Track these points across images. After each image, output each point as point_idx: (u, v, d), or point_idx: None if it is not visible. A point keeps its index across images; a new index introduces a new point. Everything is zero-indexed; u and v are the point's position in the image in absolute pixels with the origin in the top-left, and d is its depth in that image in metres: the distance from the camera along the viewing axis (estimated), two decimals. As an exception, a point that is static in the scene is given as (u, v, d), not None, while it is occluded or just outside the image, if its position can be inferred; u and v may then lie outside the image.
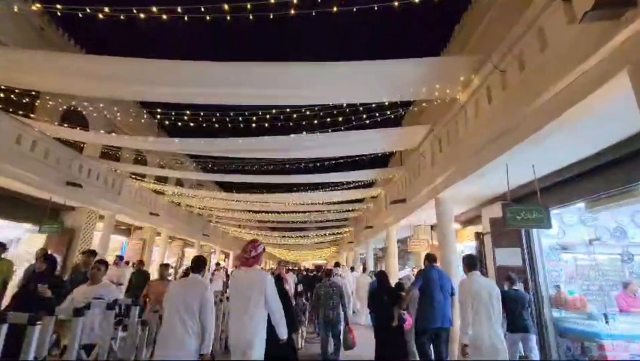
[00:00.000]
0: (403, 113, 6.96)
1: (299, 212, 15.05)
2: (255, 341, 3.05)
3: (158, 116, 6.87)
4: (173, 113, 6.76)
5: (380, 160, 10.87)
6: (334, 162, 8.72)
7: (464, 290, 3.89)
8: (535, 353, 4.84)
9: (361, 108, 6.52)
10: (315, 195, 11.30)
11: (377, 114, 6.47)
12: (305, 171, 9.30)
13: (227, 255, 29.18)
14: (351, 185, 10.91)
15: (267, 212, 14.93)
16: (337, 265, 11.96)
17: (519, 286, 5.44)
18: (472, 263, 4.14)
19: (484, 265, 7.43)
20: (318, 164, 8.90)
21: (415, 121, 9.19)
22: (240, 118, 6.87)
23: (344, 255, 30.62)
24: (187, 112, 6.71)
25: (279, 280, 4.74)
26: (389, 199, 10.87)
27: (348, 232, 21.73)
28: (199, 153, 8.14)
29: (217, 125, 6.93)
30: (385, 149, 8.13)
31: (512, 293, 5.04)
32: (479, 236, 7.85)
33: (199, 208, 16.91)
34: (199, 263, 3.50)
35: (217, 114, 6.59)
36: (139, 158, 13.56)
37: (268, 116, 6.63)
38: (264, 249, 3.51)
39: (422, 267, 5.78)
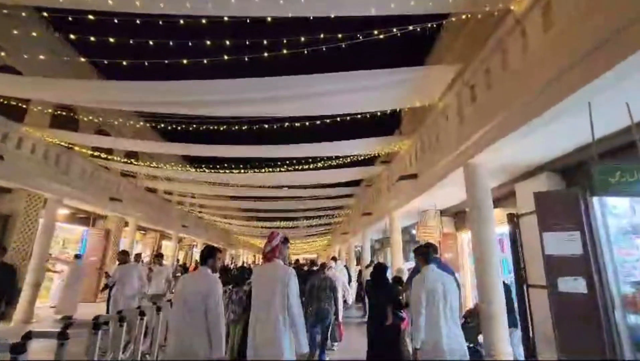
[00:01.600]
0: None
1: (287, 198, 13.19)
2: (280, 352, 2.64)
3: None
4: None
5: (383, 128, 9.03)
6: (327, 121, 6.85)
7: (416, 286, 3.54)
8: (520, 352, 4.63)
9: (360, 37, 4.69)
10: (305, 175, 9.47)
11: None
12: (290, 139, 7.43)
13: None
14: (347, 161, 9.08)
15: (250, 198, 13.00)
16: (333, 259, 11.33)
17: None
18: (428, 254, 3.76)
19: (521, 255, 5.80)
20: (307, 124, 7.02)
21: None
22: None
23: (336, 248, 28.95)
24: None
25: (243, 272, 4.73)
26: (393, 178, 9.12)
27: (342, 222, 20.00)
28: (144, 102, 6.17)
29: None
30: (395, 105, 6.31)
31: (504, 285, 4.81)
32: (512, 218, 6.16)
33: (172, 194, 14.91)
34: (207, 254, 3.20)
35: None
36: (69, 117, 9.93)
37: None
38: (285, 239, 3.17)
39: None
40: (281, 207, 14.44)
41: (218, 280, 3.06)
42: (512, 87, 4.03)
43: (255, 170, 9.12)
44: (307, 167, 8.81)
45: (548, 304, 4.56)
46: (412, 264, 10.47)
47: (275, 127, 7.01)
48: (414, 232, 12.57)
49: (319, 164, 8.84)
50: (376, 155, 9.20)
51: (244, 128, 6.98)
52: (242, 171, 9.07)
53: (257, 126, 7.03)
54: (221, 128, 7.04)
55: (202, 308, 2.83)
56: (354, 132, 7.45)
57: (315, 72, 5.07)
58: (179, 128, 7.34)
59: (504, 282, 5.09)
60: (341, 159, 8.88)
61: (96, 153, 10.17)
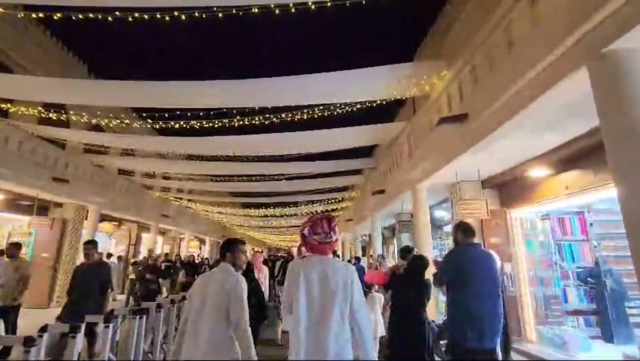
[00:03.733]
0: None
1: (280, 177, 10.77)
2: None
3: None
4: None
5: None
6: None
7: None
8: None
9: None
10: (311, 136, 7.07)
11: None
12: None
13: (202, 242, 24.96)
14: (360, 108, 6.60)
15: (237, 177, 10.55)
16: (334, 255, 8.25)
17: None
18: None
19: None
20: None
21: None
22: None
23: (339, 238, 26.69)
24: None
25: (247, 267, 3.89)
26: (419, 135, 6.73)
27: (346, 208, 17.65)
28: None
29: None
30: None
31: None
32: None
33: (153, 176, 12.47)
34: (226, 247, 2.73)
35: None
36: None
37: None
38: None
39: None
40: (283, 188, 12.02)
41: (242, 279, 2.53)
42: None
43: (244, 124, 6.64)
44: (313, 114, 6.34)
45: None
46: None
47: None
48: (437, 214, 10.23)
49: (326, 113, 6.36)
50: (396, 102, 6.67)
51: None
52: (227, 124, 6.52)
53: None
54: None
55: (223, 312, 2.37)
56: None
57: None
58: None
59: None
60: (353, 107, 6.40)
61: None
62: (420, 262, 4.11)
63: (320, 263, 2.13)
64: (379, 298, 5.37)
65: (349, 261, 16.43)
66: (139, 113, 8.98)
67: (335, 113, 6.34)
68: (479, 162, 5.80)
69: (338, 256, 12.95)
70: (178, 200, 18.38)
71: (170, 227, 18.28)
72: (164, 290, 9.83)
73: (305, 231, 2.22)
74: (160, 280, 9.04)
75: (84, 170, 10.56)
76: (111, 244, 15.28)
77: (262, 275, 6.14)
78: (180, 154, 8.79)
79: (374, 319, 4.89)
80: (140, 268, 9.49)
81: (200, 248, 24.57)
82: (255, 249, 25.13)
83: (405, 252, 4.74)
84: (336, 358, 1.94)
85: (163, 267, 10.06)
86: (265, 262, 12.93)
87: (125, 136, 9.33)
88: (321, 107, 6.26)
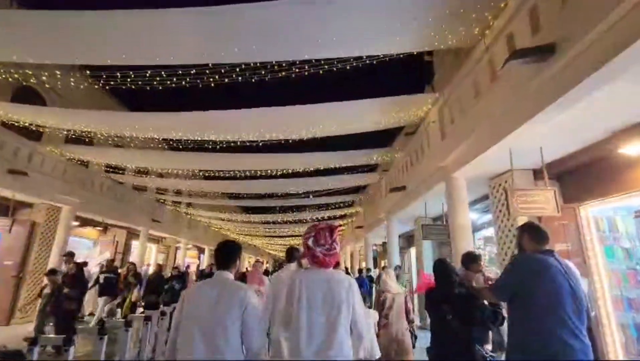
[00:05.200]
0: None
1: (283, 175, 9.20)
2: None
3: None
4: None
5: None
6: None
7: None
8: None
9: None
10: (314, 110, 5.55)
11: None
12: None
13: (201, 251, 23.37)
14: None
15: (235, 172, 8.96)
16: (337, 265, 6.78)
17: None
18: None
19: None
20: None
21: None
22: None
23: (347, 249, 24.85)
24: None
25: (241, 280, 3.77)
26: (456, 104, 5.14)
27: (356, 214, 15.96)
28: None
29: None
30: None
31: None
32: None
33: (147, 174, 10.96)
34: (227, 254, 2.21)
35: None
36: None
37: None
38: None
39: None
40: (277, 188, 10.42)
41: (251, 290, 2.09)
42: None
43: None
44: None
45: None
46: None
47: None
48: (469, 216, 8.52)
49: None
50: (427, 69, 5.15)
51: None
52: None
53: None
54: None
55: (228, 330, 1.89)
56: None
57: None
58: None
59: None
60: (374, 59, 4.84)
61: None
62: (442, 267, 3.10)
63: (322, 276, 2.06)
64: (374, 315, 4.57)
65: (360, 272, 14.72)
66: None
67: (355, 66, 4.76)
68: (542, 137, 4.20)
69: (347, 268, 11.26)
70: (176, 204, 16.93)
71: (163, 234, 16.77)
72: (103, 310, 8.00)
73: (310, 242, 2.13)
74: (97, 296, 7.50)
75: (55, 164, 9.17)
76: (95, 252, 13.81)
77: (265, 287, 5.08)
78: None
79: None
80: (58, 279, 6.10)
81: (199, 258, 22.98)
82: (259, 260, 23.43)
83: (470, 259, 3.36)
84: None
85: (102, 279, 8.12)
86: (266, 273, 11.31)
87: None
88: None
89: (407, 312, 4.38)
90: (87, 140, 9.05)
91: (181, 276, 8.66)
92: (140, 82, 4.56)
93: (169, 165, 8.50)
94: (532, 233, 2.49)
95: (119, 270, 9.57)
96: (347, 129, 6.23)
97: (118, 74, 4.66)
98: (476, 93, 4.68)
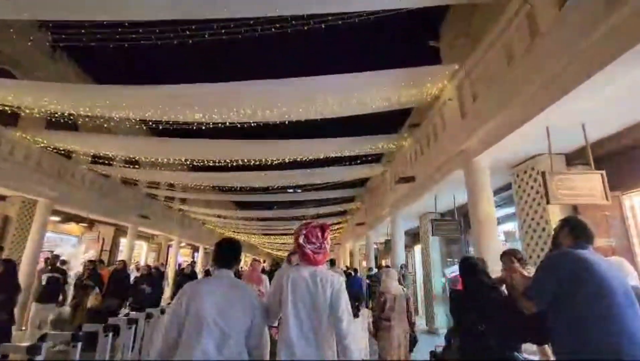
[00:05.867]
0: None
1: (279, 166, 8.41)
2: None
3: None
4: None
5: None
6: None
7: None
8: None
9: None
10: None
11: None
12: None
13: (195, 249, 22.56)
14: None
15: (230, 163, 8.11)
16: (332, 263, 8.42)
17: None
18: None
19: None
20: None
21: None
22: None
23: (346, 247, 24.09)
24: None
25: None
26: (482, 76, 4.37)
27: (357, 209, 15.18)
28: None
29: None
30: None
31: None
32: None
33: (136, 165, 10.13)
34: (229, 251, 2.15)
35: None
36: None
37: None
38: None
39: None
40: (283, 180, 9.62)
41: (253, 292, 2.07)
42: None
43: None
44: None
45: None
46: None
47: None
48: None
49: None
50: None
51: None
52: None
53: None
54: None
55: (237, 330, 1.85)
56: None
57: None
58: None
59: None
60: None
61: None
62: (469, 267, 2.61)
63: (310, 273, 2.07)
64: (367, 314, 4.63)
65: (355, 271, 13.99)
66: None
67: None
68: (584, 114, 3.48)
69: (347, 267, 10.50)
70: (169, 200, 16.12)
71: (153, 231, 15.94)
72: (45, 321, 6.23)
73: (301, 240, 2.15)
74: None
75: (27, 152, 8.34)
76: (80, 250, 12.99)
77: (263, 286, 5.14)
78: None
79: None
80: None
81: (193, 256, 22.16)
82: (257, 258, 22.57)
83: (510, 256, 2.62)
84: None
85: (45, 280, 6.36)
86: (263, 272, 10.53)
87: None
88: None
89: (409, 314, 4.14)
90: (69, 122, 8.24)
91: (153, 277, 7.17)
92: (109, 42, 3.77)
93: (152, 153, 7.65)
94: (576, 228, 2.13)
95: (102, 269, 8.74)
96: (350, 109, 5.46)
97: (83, 31, 3.87)
98: (509, 59, 3.92)
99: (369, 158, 8.58)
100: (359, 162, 8.53)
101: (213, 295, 1.89)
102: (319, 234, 2.14)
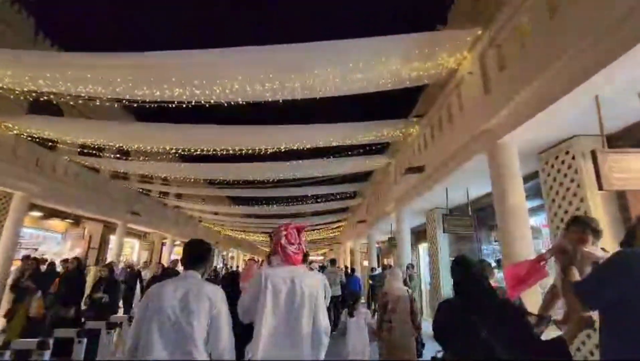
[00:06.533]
0: None
1: (273, 156, 7.68)
2: None
3: None
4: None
5: None
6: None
7: None
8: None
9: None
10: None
11: None
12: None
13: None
14: None
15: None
16: (332, 262, 9.18)
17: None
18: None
19: None
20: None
21: None
22: None
23: (347, 246, 23.37)
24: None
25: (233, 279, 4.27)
26: (512, 42, 3.65)
27: (358, 206, 14.48)
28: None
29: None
30: None
31: None
32: None
33: (127, 155, 9.38)
34: (198, 252, 2.17)
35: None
36: None
37: None
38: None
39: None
40: (279, 171, 8.87)
41: (221, 291, 2.06)
42: None
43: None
44: None
45: None
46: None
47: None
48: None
49: None
50: None
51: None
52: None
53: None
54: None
55: (199, 337, 1.86)
56: None
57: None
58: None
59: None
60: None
61: None
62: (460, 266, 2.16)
63: (286, 272, 2.13)
64: (366, 314, 4.70)
65: (353, 271, 13.28)
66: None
67: None
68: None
69: (346, 267, 9.73)
70: (163, 196, 15.41)
71: (144, 228, 15.24)
72: None
73: (283, 241, 2.23)
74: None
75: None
76: (66, 248, 12.30)
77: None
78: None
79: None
80: None
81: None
82: (254, 258, 21.90)
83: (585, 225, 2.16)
84: None
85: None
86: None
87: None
88: None
89: (414, 316, 3.96)
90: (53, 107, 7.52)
91: (115, 282, 5.73)
92: None
93: (136, 139, 6.88)
94: None
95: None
96: (355, 85, 4.74)
97: None
98: (551, 11, 3.19)
99: (373, 148, 7.85)
100: (361, 151, 7.80)
101: (174, 295, 1.90)
102: (297, 235, 2.24)
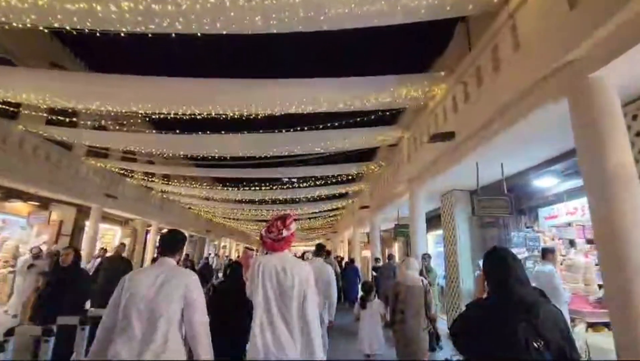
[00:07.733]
0: None
1: (264, 122, 6.37)
2: None
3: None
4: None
5: None
6: None
7: None
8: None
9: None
10: None
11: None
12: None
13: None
14: None
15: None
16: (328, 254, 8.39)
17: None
18: None
19: None
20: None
21: None
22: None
23: (344, 236, 22.30)
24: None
25: (236, 268, 3.90)
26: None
27: (359, 191, 13.26)
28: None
29: None
30: None
31: None
32: None
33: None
34: (171, 240, 2.30)
35: None
36: None
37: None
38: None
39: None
40: (271, 144, 7.54)
41: (195, 276, 2.14)
42: None
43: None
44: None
45: None
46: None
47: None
48: (540, 183, 5.79)
49: None
50: None
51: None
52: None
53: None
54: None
55: (174, 317, 1.95)
56: None
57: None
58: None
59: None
60: None
61: None
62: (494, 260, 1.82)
63: (277, 260, 2.24)
64: (379, 305, 4.67)
65: (352, 261, 12.14)
66: None
67: None
68: None
69: (337, 257, 8.56)
70: (148, 177, 13.98)
71: (123, 213, 13.88)
72: None
73: (263, 232, 2.40)
74: None
75: None
76: (32, 234, 10.94)
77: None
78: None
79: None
80: None
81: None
82: (249, 247, 20.62)
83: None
84: (289, 358, 1.98)
85: None
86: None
87: None
88: None
89: (427, 308, 3.85)
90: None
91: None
92: None
93: (86, 96, 5.39)
94: None
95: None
96: (371, 9, 3.47)
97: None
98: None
99: (383, 117, 6.56)
100: (366, 120, 6.53)
101: (147, 281, 1.99)
102: (280, 224, 2.34)
